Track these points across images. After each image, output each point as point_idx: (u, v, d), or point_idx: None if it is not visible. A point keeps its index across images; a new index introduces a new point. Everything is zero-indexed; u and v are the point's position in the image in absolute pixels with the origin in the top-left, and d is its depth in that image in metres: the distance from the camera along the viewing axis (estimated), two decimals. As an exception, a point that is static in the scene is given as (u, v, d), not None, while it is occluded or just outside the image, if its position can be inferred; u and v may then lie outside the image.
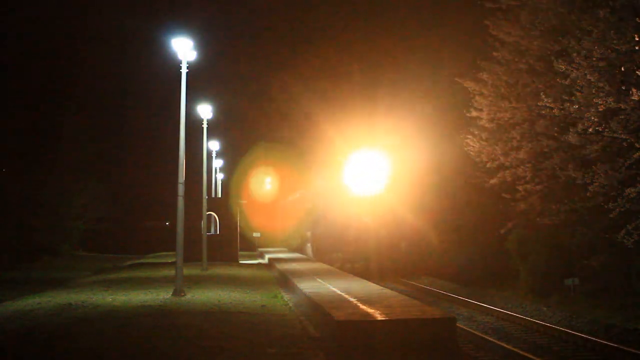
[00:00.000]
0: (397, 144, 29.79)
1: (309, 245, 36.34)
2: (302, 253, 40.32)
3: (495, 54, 20.61)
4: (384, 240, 27.37)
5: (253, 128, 59.43)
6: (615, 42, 15.36)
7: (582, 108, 16.50)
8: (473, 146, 21.36)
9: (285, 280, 23.29)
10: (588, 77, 15.90)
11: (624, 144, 16.51)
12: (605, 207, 17.05)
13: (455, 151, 24.96)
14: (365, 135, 30.56)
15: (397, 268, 27.92)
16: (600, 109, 15.96)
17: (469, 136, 21.47)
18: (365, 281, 19.67)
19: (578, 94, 16.35)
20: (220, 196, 51.19)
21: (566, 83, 16.87)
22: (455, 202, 29.29)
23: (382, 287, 18.01)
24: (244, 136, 61.32)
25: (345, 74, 37.54)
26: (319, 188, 33.06)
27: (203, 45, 32.12)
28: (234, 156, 60.24)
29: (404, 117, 30.15)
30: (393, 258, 27.63)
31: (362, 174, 28.93)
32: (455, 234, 29.17)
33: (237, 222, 38.92)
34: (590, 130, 16.69)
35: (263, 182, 62.83)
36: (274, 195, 61.67)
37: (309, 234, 36.60)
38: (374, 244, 27.35)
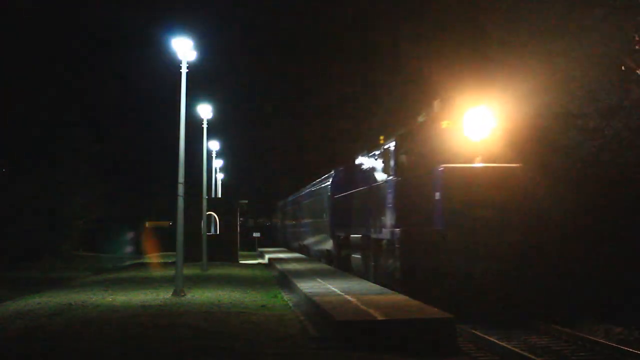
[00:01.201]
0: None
1: (358, 256, 22.15)
2: (299, 252, 39.46)
3: None
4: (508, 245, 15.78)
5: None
6: (615, 41, 15.39)
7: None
8: None
9: (285, 280, 23.29)
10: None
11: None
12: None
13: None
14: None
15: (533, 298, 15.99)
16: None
17: None
18: (365, 281, 19.64)
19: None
20: (220, 196, 51.22)
21: None
22: None
23: (382, 287, 17.97)
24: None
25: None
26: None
27: (203, 45, 32.00)
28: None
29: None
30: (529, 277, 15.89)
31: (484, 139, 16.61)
32: None
33: (237, 222, 38.89)
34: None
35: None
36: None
37: (355, 238, 22.38)
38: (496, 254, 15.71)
